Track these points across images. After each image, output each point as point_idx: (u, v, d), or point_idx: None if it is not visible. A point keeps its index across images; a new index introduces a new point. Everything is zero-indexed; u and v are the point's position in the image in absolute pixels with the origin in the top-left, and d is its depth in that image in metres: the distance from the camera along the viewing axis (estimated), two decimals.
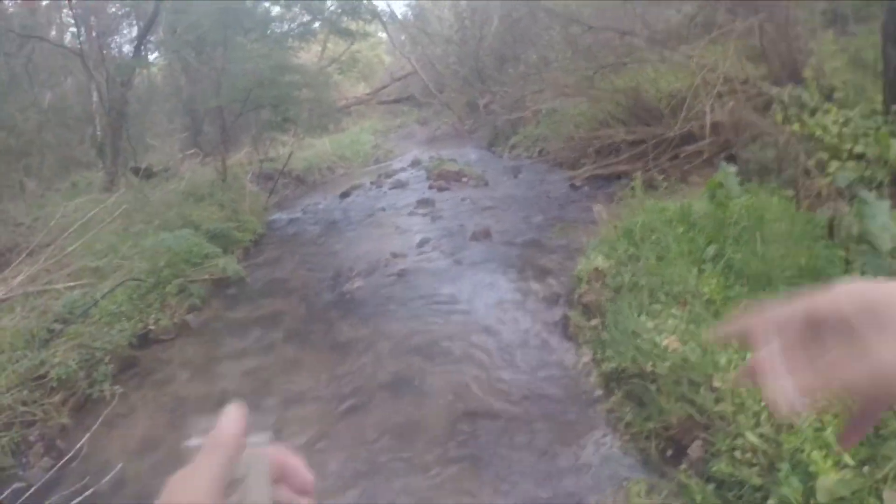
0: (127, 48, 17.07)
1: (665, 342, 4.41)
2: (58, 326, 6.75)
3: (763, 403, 3.50)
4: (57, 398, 5.84)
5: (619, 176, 9.80)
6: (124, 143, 13.34)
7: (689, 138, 8.99)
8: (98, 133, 14.58)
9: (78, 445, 4.44)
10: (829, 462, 3.05)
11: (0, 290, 7.54)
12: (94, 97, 14.56)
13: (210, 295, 8.36)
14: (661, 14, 12.14)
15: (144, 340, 7.13)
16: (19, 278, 7.60)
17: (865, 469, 3.03)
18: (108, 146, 13.38)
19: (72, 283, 7.50)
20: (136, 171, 12.84)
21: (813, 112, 6.65)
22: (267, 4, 15.56)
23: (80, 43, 14.09)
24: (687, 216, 6.20)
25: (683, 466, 3.68)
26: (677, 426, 3.92)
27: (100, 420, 5.39)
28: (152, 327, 7.33)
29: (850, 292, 0.59)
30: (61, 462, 4.90)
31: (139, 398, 5.89)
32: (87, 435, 4.68)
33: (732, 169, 5.82)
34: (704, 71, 8.75)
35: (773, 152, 7.29)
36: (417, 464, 4.35)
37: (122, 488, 4.41)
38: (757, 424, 3.44)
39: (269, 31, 14.73)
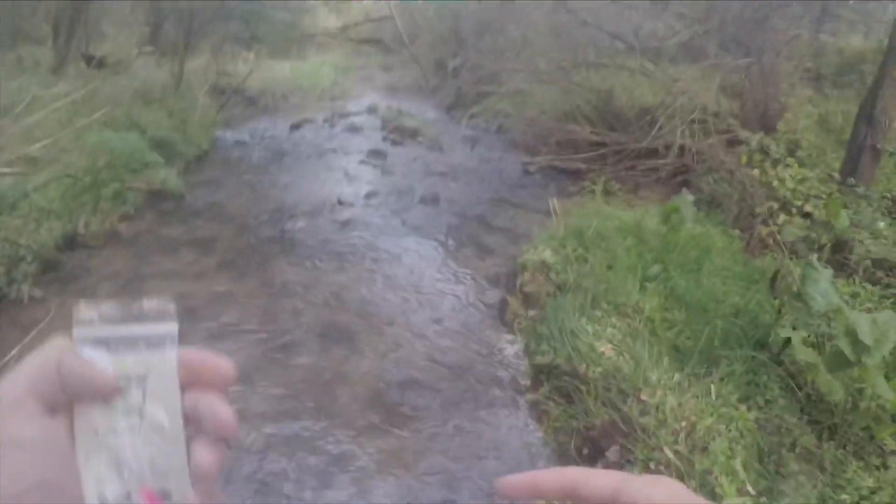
0: None
1: (602, 349, 4.51)
2: None
3: (683, 423, 3.66)
4: None
5: (573, 172, 9.83)
6: (80, 26, 12.81)
7: (650, 153, 9.09)
8: (53, 9, 13.97)
9: (9, 356, 4.27)
10: (734, 488, 3.28)
11: None
12: None
13: (145, 206, 8.14)
14: (657, 30, 12.16)
15: (71, 243, 6.90)
16: None
17: (763, 500, 3.30)
18: (63, 25, 12.83)
19: (4, 170, 7.18)
20: (87, 58, 12.29)
21: (775, 163, 6.82)
22: None
23: None
24: (639, 231, 6.29)
25: (599, 467, 3.75)
26: (599, 429, 4.06)
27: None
28: (81, 231, 7.08)
29: (668, 494, 0.53)
30: None
31: (57, 305, 5.69)
32: (17, 349, 4.49)
33: (691, 198, 5.93)
34: (684, 96, 8.84)
35: (729, 190, 7.46)
36: (337, 419, 4.36)
37: None
38: (675, 442, 3.59)
39: None
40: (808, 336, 4.13)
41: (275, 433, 4.20)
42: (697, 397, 3.92)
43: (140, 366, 0.51)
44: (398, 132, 12.73)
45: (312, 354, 5.11)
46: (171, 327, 0.53)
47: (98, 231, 7.17)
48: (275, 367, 4.95)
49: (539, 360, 4.87)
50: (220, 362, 0.55)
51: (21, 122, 6.70)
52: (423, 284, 6.36)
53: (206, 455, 0.52)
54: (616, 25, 11.07)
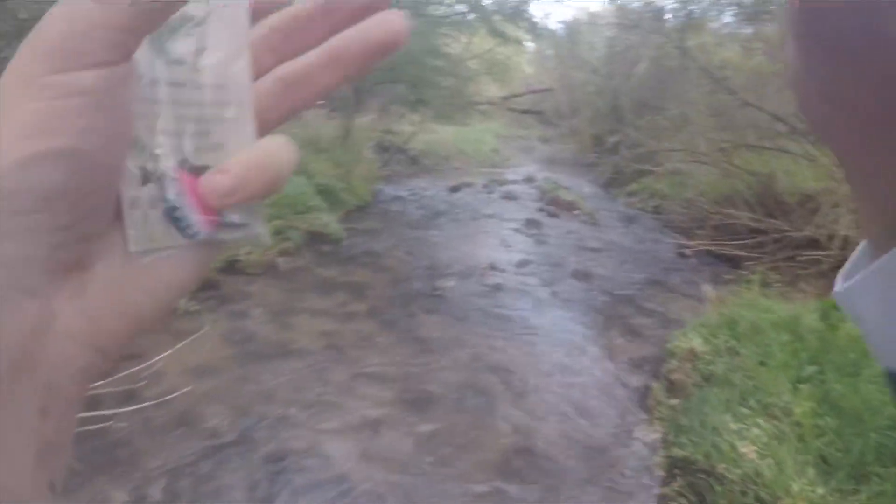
0: None
1: (744, 449, 4.36)
2: None
3: None
4: None
5: (729, 258, 9.64)
6: None
7: (812, 243, 8.79)
8: None
9: (157, 358, 4.54)
10: None
11: None
12: None
13: (304, 245, 8.55)
14: None
15: (231, 268, 7.33)
16: None
17: None
18: None
19: None
20: None
21: None
22: None
23: None
24: (795, 326, 6.08)
25: None
26: None
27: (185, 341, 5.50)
28: (241, 258, 7.52)
29: None
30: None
31: (210, 322, 6.02)
32: (169, 352, 4.77)
33: None
34: None
35: None
36: (457, 479, 4.39)
37: (169, 405, 4.50)
38: None
39: (426, 12, 14.83)
40: None
41: (393, 481, 4.27)
42: None
43: (198, 8, 0.39)
44: (554, 204, 12.82)
45: (446, 411, 5.17)
46: None
47: (258, 261, 7.60)
48: (407, 416, 5.05)
49: (676, 452, 4.73)
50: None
51: None
52: (566, 358, 6.34)
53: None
54: (778, 106, 10.82)
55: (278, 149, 0.40)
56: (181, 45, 0.38)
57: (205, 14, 0.39)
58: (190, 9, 0.38)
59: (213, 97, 0.40)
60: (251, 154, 0.39)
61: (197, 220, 0.39)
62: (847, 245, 8.35)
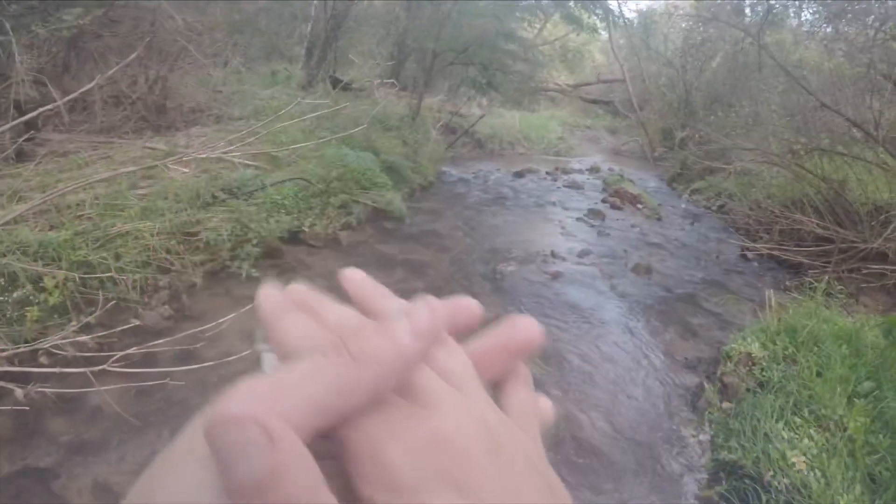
0: None
1: (794, 459, 4.33)
2: (223, 195, 7.13)
3: None
4: (198, 258, 6.26)
5: (793, 264, 9.50)
6: (330, 52, 13.76)
7: (880, 256, 8.61)
8: (308, 34, 15.07)
9: (221, 320, 4.61)
10: None
11: (182, 142, 7.96)
12: (315, 1, 15.05)
13: (367, 220, 8.66)
14: None
15: (294, 238, 7.48)
16: (203, 139, 8.00)
17: None
18: (315, 48, 13.84)
19: (249, 162, 7.85)
20: (334, 81, 13.21)
21: None
22: None
23: None
24: (856, 340, 5.99)
25: None
26: None
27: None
28: (305, 229, 7.69)
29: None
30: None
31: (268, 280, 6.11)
32: (230, 316, 4.85)
33: None
34: None
35: None
36: None
37: (225, 367, 4.58)
38: None
39: None
40: None
41: None
42: None
43: None
44: (618, 196, 12.77)
45: None
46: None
47: (320, 233, 7.74)
48: None
49: (724, 455, 4.72)
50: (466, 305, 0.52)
51: (270, 126, 7.32)
52: (621, 353, 6.35)
53: None
54: (855, 111, 10.58)
55: None
56: None
57: None
58: None
59: None
60: None
61: None
62: None
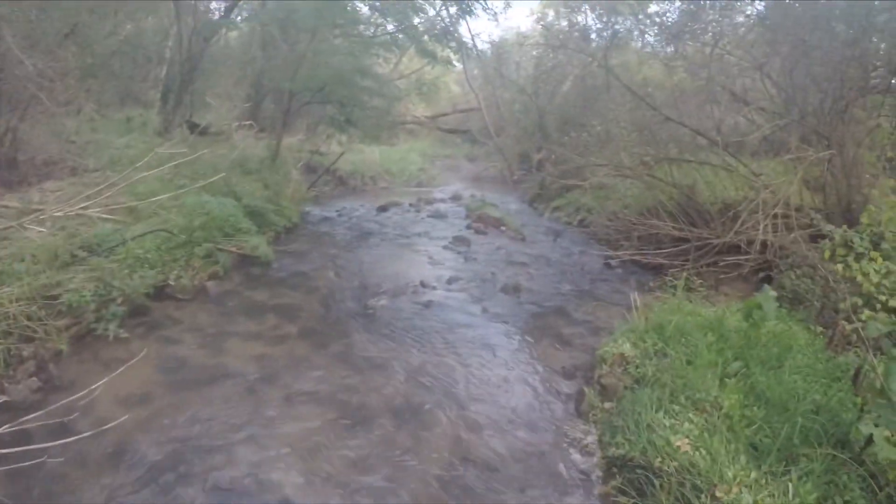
0: (215, 5, 17.39)
1: (678, 443, 4.48)
2: (82, 254, 6.85)
3: None
4: (62, 322, 5.94)
5: (654, 267, 9.86)
6: (186, 95, 13.51)
7: (732, 249, 9.06)
8: (163, 77, 14.78)
9: (93, 387, 4.42)
10: None
11: (36, 197, 7.63)
12: (170, 43, 14.79)
13: (234, 268, 8.51)
14: (738, 124, 12.21)
15: (161, 294, 7.26)
16: (58, 193, 7.69)
17: None
18: (171, 92, 13.57)
19: (107, 216, 7.58)
20: (191, 125, 12.97)
21: (859, 257, 6.70)
22: (360, 5, 15.69)
23: None
24: (720, 327, 6.27)
25: None
26: None
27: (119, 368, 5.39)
28: (172, 283, 7.48)
29: None
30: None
31: (141, 349, 5.89)
32: (105, 379, 4.64)
33: (773, 294, 5.88)
34: (767, 191, 8.82)
35: (811, 285, 7.39)
36: (403, 497, 4.38)
37: (103, 437, 4.40)
38: None
39: (356, 32, 14.91)
40: (892, 434, 4.02)
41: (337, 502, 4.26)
42: (774, 496, 3.86)
43: None
44: (482, 221, 12.96)
45: (385, 428, 5.16)
46: None
47: (187, 285, 7.54)
48: (347, 435, 5.02)
49: (613, 451, 4.83)
50: None
51: (127, 176, 7.10)
52: (500, 371, 6.40)
53: None
54: (698, 121, 11.14)
55: None
56: None
57: None
58: None
59: None
60: None
61: None
62: (766, 249, 8.63)
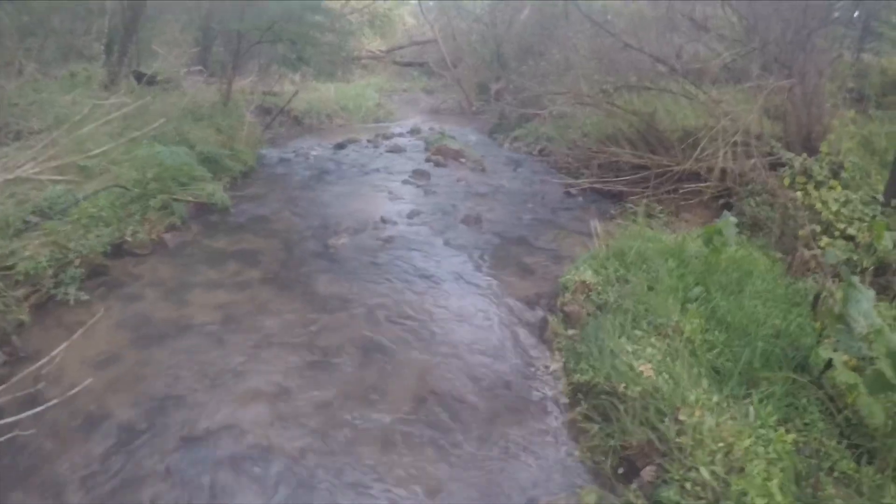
0: None
1: (641, 368, 4.52)
2: (34, 219, 6.65)
3: (721, 444, 3.65)
4: (20, 292, 5.76)
5: (615, 194, 9.87)
6: (132, 45, 13.12)
7: (692, 176, 9.08)
8: (106, 29, 14.32)
9: (54, 353, 4.33)
10: None
11: None
12: None
13: (191, 218, 8.34)
14: (698, 52, 12.15)
15: (118, 251, 7.09)
16: (3, 160, 7.46)
17: None
18: (116, 44, 13.16)
19: (57, 178, 7.38)
20: (138, 75, 12.59)
21: (818, 185, 6.75)
22: None
23: None
24: (680, 253, 6.30)
25: (634, 486, 3.83)
26: (636, 448, 4.07)
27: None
28: (129, 239, 7.29)
29: None
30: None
31: (103, 309, 5.78)
32: (65, 344, 4.55)
33: (733, 220, 5.90)
34: (727, 118, 8.81)
35: (771, 212, 7.46)
36: (374, 432, 4.39)
37: (73, 402, 4.33)
38: (712, 462, 3.60)
39: None
40: (850, 359, 4.08)
41: (311, 444, 4.26)
42: (736, 418, 3.90)
43: None
44: (441, 153, 12.84)
45: (352, 367, 5.16)
46: None
47: (145, 240, 7.37)
48: (315, 376, 5.01)
49: (578, 378, 4.87)
50: None
51: (74, 133, 6.88)
52: (463, 302, 6.41)
53: None
54: (658, 48, 11.06)
55: None
56: None
57: None
58: None
59: None
60: None
61: None
62: (725, 177, 8.67)
